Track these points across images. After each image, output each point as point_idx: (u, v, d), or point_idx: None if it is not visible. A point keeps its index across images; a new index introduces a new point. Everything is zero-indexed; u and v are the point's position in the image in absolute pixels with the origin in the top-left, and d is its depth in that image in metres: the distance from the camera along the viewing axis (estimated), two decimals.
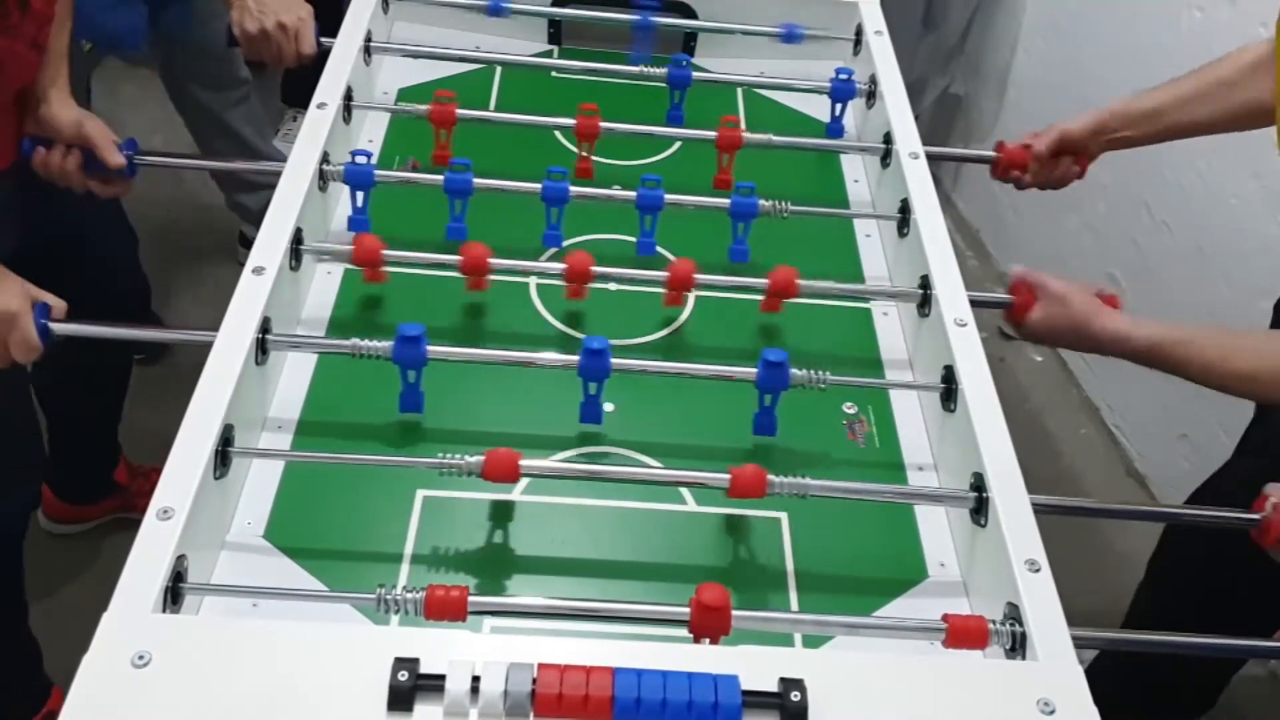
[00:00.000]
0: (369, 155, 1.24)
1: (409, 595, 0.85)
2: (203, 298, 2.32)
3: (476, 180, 1.25)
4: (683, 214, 1.29)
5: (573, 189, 1.25)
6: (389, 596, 0.85)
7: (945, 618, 0.88)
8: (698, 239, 1.30)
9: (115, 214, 1.61)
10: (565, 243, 1.30)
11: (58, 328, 1.06)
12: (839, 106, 1.54)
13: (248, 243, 2.35)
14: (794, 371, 1.07)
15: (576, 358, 1.08)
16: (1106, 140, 1.42)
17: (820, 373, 1.08)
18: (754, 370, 1.08)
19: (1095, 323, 1.17)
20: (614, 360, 1.09)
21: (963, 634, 0.87)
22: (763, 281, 1.19)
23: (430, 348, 1.06)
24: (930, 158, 1.37)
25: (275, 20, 1.43)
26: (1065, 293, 1.20)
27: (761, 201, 1.27)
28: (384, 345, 1.05)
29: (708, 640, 0.86)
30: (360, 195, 1.25)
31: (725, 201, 1.27)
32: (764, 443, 1.12)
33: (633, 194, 1.27)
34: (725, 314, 1.26)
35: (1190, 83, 1.37)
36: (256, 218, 2.34)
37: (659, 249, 1.31)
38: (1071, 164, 1.44)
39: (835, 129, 1.55)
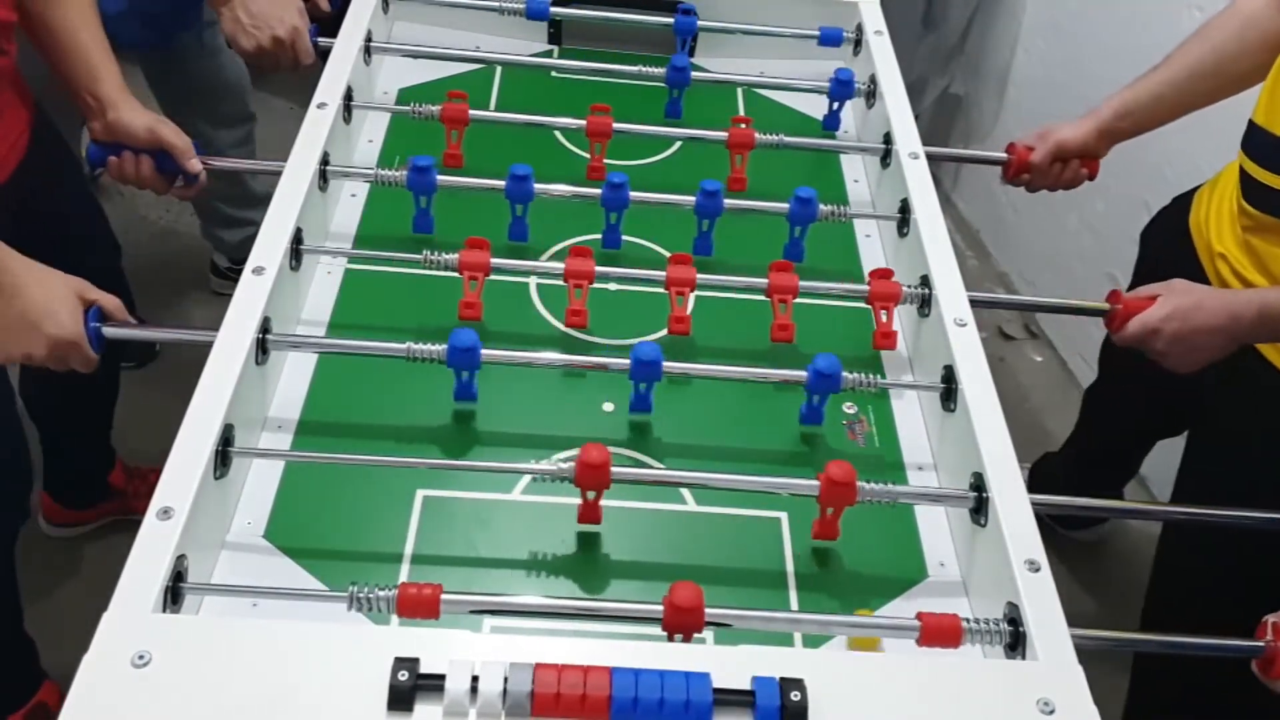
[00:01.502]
0: (431, 162, 1.25)
1: (381, 593, 0.85)
2: (179, 319, 2.30)
3: (448, 179, 1.26)
4: (677, 214, 1.30)
5: (536, 187, 1.26)
6: (361, 595, 0.85)
7: (919, 616, 0.88)
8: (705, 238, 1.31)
9: (100, 223, 1.60)
10: (565, 243, 1.31)
11: (109, 332, 1.06)
12: (835, 104, 1.55)
13: (219, 270, 2.37)
14: (845, 375, 1.08)
15: (578, 358, 1.08)
16: (1113, 140, 1.42)
17: (871, 376, 1.09)
18: (757, 370, 1.10)
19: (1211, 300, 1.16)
20: (615, 360, 1.10)
21: (936, 632, 0.87)
22: (761, 281, 1.20)
23: (432, 346, 1.07)
24: (940, 159, 1.37)
25: (270, 35, 1.43)
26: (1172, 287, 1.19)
27: (821, 206, 1.28)
28: (439, 349, 1.06)
29: (680, 637, 0.86)
30: (424, 199, 1.27)
31: (690, 199, 1.28)
32: (765, 443, 1.13)
33: (597, 191, 1.27)
34: (727, 314, 1.25)
35: (1183, 61, 1.37)
36: (231, 250, 2.36)
37: (655, 249, 1.31)
38: (1079, 167, 1.44)
39: (831, 122, 1.57)
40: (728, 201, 1.28)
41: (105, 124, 1.24)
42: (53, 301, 1.02)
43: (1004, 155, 1.45)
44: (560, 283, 1.19)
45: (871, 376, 1.09)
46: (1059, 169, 1.44)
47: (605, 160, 1.39)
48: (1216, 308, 1.16)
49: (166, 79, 2.03)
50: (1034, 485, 1.97)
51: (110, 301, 1.07)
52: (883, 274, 1.21)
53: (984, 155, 1.54)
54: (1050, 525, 1.97)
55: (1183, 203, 1.46)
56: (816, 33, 1.61)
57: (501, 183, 1.26)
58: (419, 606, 0.85)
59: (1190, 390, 1.38)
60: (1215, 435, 1.36)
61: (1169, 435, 1.77)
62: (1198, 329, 1.16)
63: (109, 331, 1.06)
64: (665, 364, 1.07)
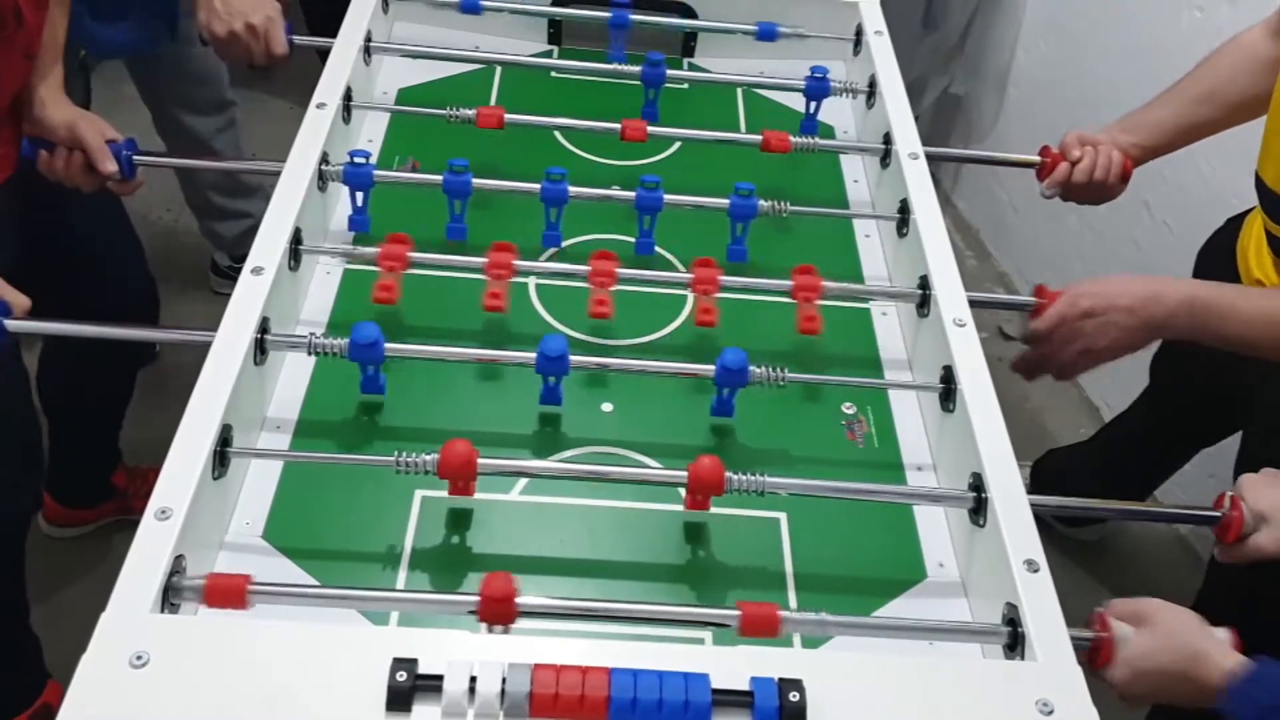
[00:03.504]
0: (367, 155, 1.24)
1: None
2: (180, 319, 2.30)
3: (476, 180, 1.25)
4: (679, 214, 1.29)
5: (571, 189, 1.26)
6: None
7: (739, 605, 0.86)
8: (697, 239, 1.31)
9: (119, 222, 1.61)
10: (565, 243, 1.30)
11: (14, 325, 1.05)
12: (813, 104, 1.55)
13: (219, 269, 2.36)
14: (752, 369, 1.07)
15: (575, 358, 1.08)
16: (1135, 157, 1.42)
17: (779, 370, 1.08)
18: (672, 365, 1.11)
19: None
20: (612, 360, 1.10)
21: (754, 622, 0.86)
22: (786, 284, 1.20)
23: (426, 347, 1.07)
24: (971, 160, 1.36)
25: (244, 22, 1.42)
26: None
27: (760, 202, 1.27)
28: (341, 342, 1.05)
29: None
30: (360, 195, 1.26)
31: (724, 201, 1.27)
32: (765, 443, 1.13)
33: (632, 194, 1.27)
34: (725, 314, 1.25)
35: (1183, 88, 1.38)
36: (230, 246, 2.36)
37: (658, 249, 1.31)
38: (1110, 149, 1.40)
39: (809, 126, 1.56)
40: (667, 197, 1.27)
41: (30, 119, 1.25)
42: None
43: (1038, 158, 1.43)
44: (562, 283, 1.19)
45: (780, 370, 1.08)
46: (1092, 152, 1.40)
47: (596, 159, 1.39)
48: (1138, 285, 1.16)
49: (144, 72, 2.05)
50: (1038, 483, 1.97)
51: (14, 296, 1.07)
52: (804, 270, 1.20)
53: (1017, 158, 1.50)
54: (1050, 523, 1.96)
55: (1236, 223, 1.46)
56: (788, 31, 1.59)
57: (533, 185, 1.26)
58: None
59: (1243, 395, 1.38)
60: (1268, 434, 1.35)
61: (1213, 442, 1.77)
62: (1113, 304, 1.15)
63: (12, 325, 1.05)
64: (575, 358, 1.07)
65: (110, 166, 1.25)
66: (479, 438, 1.08)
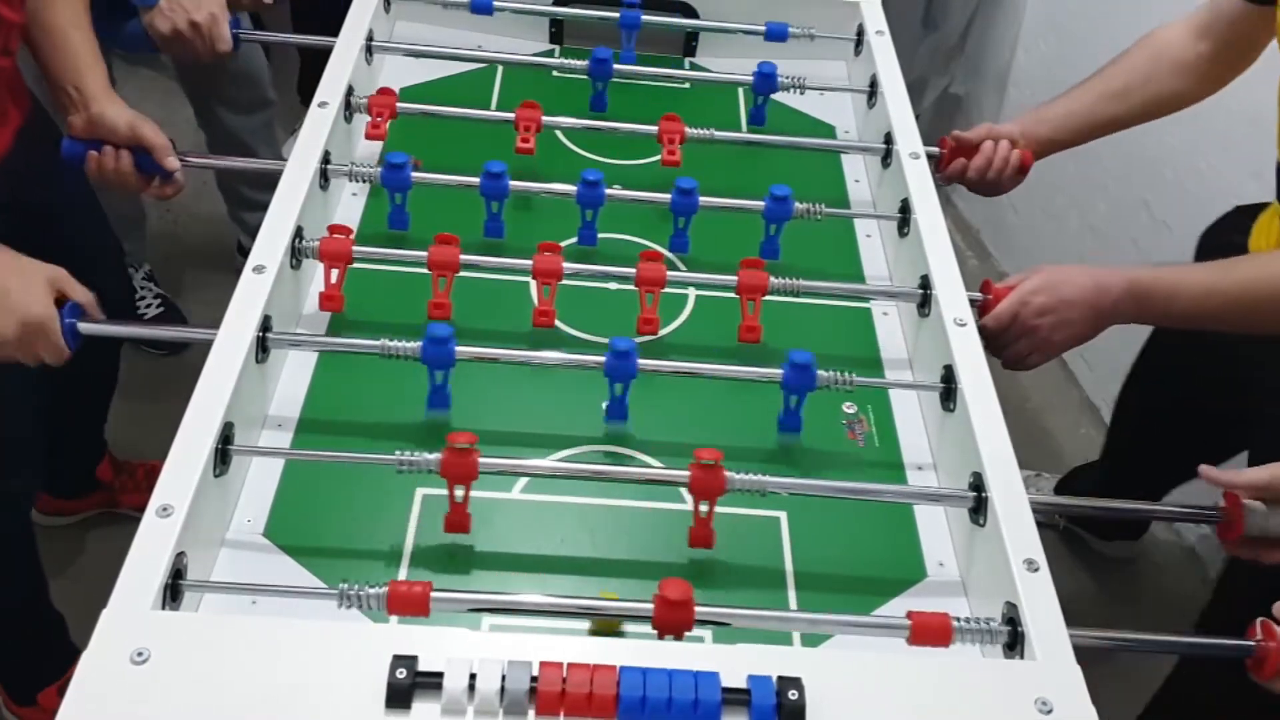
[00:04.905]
0: (405, 160, 1.25)
1: (372, 591, 0.84)
2: (203, 300, 2.32)
3: (513, 184, 1.27)
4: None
5: (606, 191, 1.26)
6: (352, 592, 0.85)
7: (910, 615, 0.87)
8: (718, 239, 1.31)
9: (98, 220, 1.60)
10: (565, 242, 1.31)
11: (86, 328, 1.06)
12: (759, 98, 1.55)
13: (246, 253, 2.37)
14: (820, 373, 1.08)
15: (581, 357, 1.09)
16: (1033, 145, 1.44)
17: (846, 375, 1.09)
18: (734, 369, 1.11)
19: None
20: (677, 363, 1.12)
21: (926, 631, 0.86)
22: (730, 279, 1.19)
23: (407, 343, 1.07)
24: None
25: (186, 19, 1.42)
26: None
27: (796, 204, 1.28)
28: (413, 345, 1.06)
29: (672, 636, 0.85)
30: (400, 196, 1.28)
31: (759, 204, 1.28)
32: (764, 442, 1.13)
33: (667, 196, 1.27)
34: (725, 313, 1.25)
35: (1094, 83, 1.42)
36: (256, 232, 2.37)
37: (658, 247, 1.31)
38: (1010, 147, 1.44)
39: (756, 115, 1.58)
40: (705, 200, 1.28)
41: (87, 117, 1.24)
42: (23, 288, 1.02)
43: (935, 149, 1.44)
44: (573, 283, 1.19)
45: (848, 375, 1.09)
46: (991, 146, 1.43)
47: (596, 158, 1.39)
48: (1084, 279, 1.19)
49: (192, 69, 2.07)
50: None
51: (85, 296, 1.07)
52: (753, 263, 1.20)
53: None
54: (1084, 538, 1.89)
55: (1246, 215, 1.44)
56: (817, 33, 1.60)
57: (569, 187, 1.27)
58: (409, 604, 0.84)
59: (1237, 397, 1.37)
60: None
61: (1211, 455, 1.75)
62: (1065, 300, 1.18)
63: (84, 327, 1.05)
64: (662, 363, 1.07)
65: (176, 163, 1.26)
66: (480, 436, 1.09)
